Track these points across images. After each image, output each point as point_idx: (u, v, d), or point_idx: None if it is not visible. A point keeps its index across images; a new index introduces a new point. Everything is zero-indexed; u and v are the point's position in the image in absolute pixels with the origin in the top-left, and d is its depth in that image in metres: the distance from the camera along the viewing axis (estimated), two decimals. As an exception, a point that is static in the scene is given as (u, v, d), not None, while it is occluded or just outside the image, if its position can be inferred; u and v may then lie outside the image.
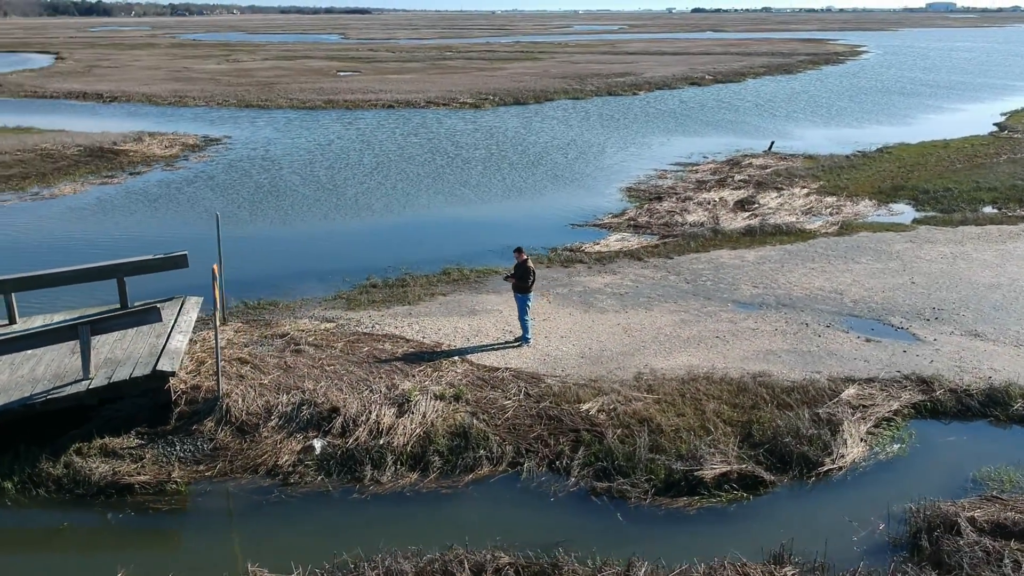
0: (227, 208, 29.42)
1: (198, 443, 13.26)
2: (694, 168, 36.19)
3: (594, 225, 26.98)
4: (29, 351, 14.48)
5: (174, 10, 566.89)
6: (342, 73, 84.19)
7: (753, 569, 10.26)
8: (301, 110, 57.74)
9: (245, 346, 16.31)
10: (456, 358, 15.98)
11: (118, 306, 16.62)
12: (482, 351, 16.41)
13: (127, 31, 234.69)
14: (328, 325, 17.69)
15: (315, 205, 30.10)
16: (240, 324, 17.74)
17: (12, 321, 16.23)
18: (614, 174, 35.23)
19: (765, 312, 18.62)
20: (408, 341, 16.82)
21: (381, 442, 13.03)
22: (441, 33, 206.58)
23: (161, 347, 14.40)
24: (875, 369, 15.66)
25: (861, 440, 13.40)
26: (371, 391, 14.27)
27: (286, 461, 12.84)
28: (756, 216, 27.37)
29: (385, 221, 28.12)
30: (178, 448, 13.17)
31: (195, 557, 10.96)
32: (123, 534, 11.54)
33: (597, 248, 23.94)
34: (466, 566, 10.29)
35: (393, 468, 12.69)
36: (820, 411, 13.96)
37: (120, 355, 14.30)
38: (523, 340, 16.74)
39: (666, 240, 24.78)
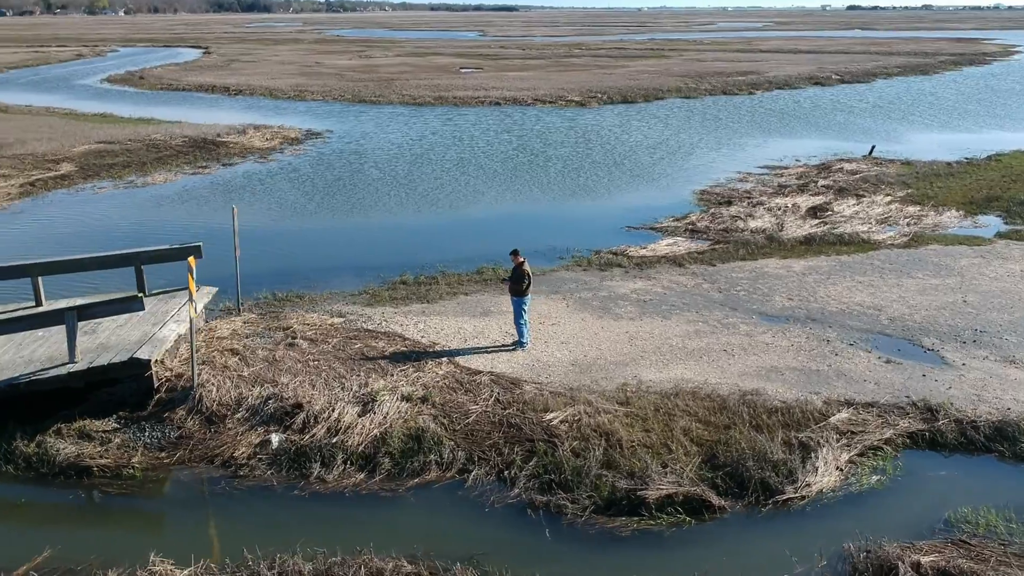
0: (297, 200, 30.21)
1: (166, 430, 13.64)
2: (781, 171, 34.85)
3: (651, 228, 26.32)
4: (40, 334, 15.24)
5: (329, 7, 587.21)
6: (464, 70, 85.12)
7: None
8: (410, 106, 58.69)
9: (246, 337, 16.68)
10: (444, 359, 15.88)
11: (135, 293, 17.23)
12: (474, 354, 16.25)
13: (279, 27, 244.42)
14: (336, 320, 17.89)
15: (383, 199, 30.53)
16: (253, 316, 18.16)
17: (38, 303, 17.09)
18: (695, 176, 34.30)
19: (788, 326, 17.71)
20: (405, 340, 16.83)
21: (335, 440, 13.06)
22: (578, 31, 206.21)
23: (150, 336, 14.87)
24: (882, 393, 14.65)
25: (837, 469, 12.57)
26: (343, 388, 14.35)
27: (242, 453, 13.05)
28: (825, 224, 26.09)
29: (445, 217, 28.26)
30: (147, 434, 13.57)
31: (118, 542, 11.25)
32: (67, 514, 12.00)
33: (642, 252, 23.33)
34: (363, 572, 10.18)
35: (342, 467, 12.71)
36: (800, 435, 13.18)
37: (114, 341, 14.85)
38: (518, 344, 16.48)
39: (717, 246, 23.93)
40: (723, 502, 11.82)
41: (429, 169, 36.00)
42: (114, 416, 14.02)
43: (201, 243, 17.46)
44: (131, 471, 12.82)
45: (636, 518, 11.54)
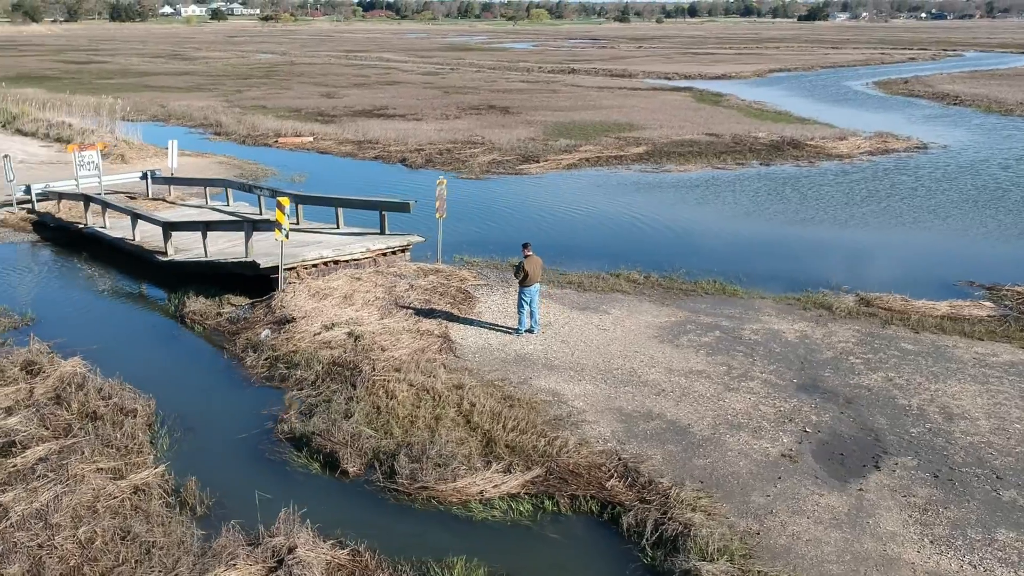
0: (733, 199, 31.67)
1: (244, 313, 19.82)
2: None
3: (989, 288, 21.79)
4: (244, 237, 22.00)
5: None
6: None
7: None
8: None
9: (394, 276, 21.35)
10: (450, 323, 18.50)
11: (378, 230, 23.38)
12: (481, 327, 18.43)
13: None
14: (476, 284, 21.27)
15: (818, 214, 29.87)
16: (439, 266, 22.45)
17: (338, 225, 24.33)
18: None
19: (792, 398, 15.27)
20: (461, 304, 19.64)
21: (277, 344, 17.66)
22: None
23: (288, 254, 20.82)
24: (695, 472, 13.02)
25: (480, 492, 12.69)
26: (337, 317, 18.54)
27: (245, 335, 18.53)
28: None
29: (848, 237, 27.15)
30: (239, 312, 19.93)
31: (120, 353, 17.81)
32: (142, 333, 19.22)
33: (893, 305, 20.07)
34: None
35: (261, 361, 17.25)
36: (510, 460, 13.28)
37: (283, 251, 21.17)
38: (516, 330, 18.07)
39: (993, 321, 19.30)
40: (355, 469, 13.31)
41: (928, 195, 32.77)
42: (250, 298, 20.57)
43: (413, 201, 22.73)
44: (200, 328, 19.36)
45: (296, 452, 13.90)
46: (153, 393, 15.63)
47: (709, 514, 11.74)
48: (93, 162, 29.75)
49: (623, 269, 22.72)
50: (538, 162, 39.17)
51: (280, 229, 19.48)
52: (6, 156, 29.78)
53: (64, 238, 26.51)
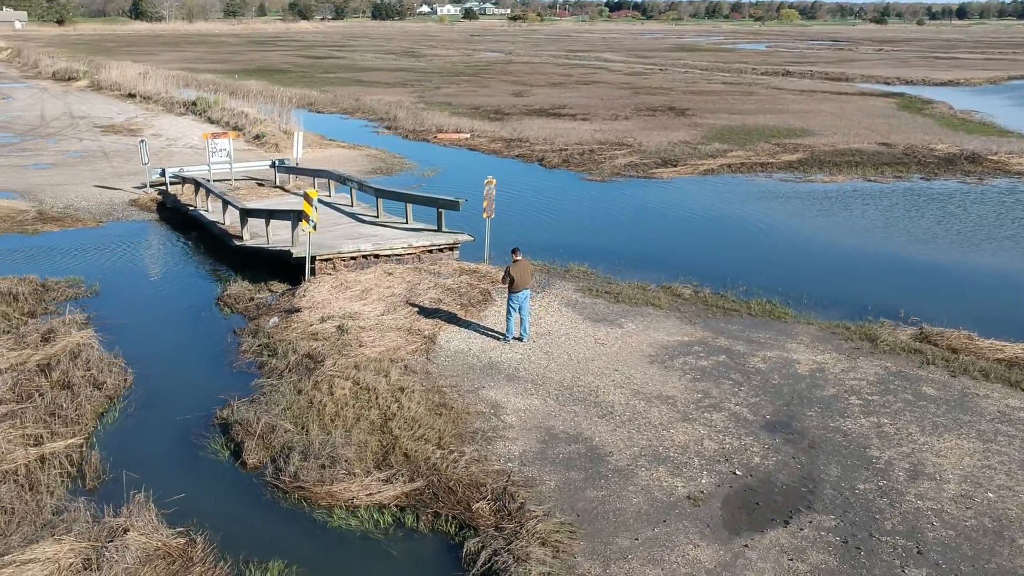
0: (864, 215, 29.19)
1: (272, 299, 20.49)
2: None
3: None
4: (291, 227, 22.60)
5: None
6: None
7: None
8: None
9: (430, 273, 21.37)
10: (446, 323, 18.26)
11: (435, 227, 23.54)
12: (472, 329, 18.05)
13: None
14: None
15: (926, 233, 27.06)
16: (483, 267, 22.15)
17: (407, 220, 24.72)
18: None
19: (751, 436, 13.91)
20: (471, 307, 19.29)
21: (279, 330, 18.17)
22: None
23: (329, 245, 21.34)
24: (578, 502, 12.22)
25: (351, 501, 12.49)
26: (341, 310, 18.80)
27: (257, 319, 19.18)
28: None
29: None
30: (269, 298, 20.65)
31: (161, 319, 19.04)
32: (185, 307, 20.31)
33: (950, 341, 17.82)
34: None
35: (255, 345, 17.85)
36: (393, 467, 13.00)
37: (323, 241, 21.68)
38: (504, 336, 17.54)
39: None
40: (254, 462, 13.43)
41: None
42: (287, 284, 21.26)
43: (464, 199, 22.64)
44: (229, 311, 20.20)
45: (217, 439, 14.23)
46: (140, 368, 16.49)
47: (557, 551, 10.83)
48: (225, 149, 31.72)
49: (679, 281, 21.47)
50: (675, 166, 37.76)
51: (308, 220, 19.92)
52: (142, 141, 32.43)
53: (177, 219, 28.41)
